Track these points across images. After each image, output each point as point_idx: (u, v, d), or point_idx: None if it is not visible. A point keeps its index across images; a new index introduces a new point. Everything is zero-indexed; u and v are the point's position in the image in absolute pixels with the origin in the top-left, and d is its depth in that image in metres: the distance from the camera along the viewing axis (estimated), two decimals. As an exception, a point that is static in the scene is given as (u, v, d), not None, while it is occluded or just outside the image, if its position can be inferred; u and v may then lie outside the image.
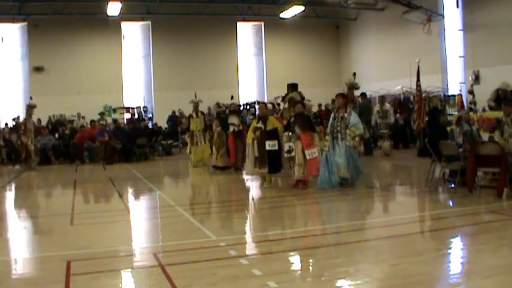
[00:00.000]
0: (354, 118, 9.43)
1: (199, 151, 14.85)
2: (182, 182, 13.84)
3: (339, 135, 9.36)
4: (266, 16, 25.63)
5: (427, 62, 17.38)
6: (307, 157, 9.51)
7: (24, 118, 16.94)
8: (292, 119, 10.05)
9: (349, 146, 9.26)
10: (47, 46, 23.24)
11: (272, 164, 10.11)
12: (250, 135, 10.57)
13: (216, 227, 7.17)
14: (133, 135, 18.14)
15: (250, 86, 26.96)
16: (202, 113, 15.48)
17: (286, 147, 9.81)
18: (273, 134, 10.12)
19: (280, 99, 13.28)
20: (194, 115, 15.01)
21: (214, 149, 13.62)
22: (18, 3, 21.58)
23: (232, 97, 17.50)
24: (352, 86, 12.60)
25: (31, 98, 17.48)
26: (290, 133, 9.77)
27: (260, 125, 10.32)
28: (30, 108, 16.51)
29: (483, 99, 16.46)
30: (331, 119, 9.67)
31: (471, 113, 13.58)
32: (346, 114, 9.42)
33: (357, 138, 9.33)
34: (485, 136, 11.56)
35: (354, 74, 12.63)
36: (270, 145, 10.02)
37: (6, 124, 21.09)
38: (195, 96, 15.20)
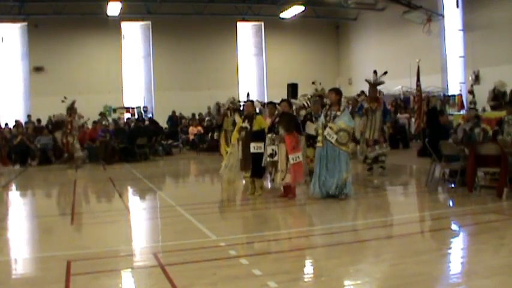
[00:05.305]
0: (345, 116, 8.54)
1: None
2: (182, 182, 13.84)
3: None
4: (266, 16, 25.62)
5: (427, 62, 17.39)
6: (291, 161, 8.54)
7: (69, 117, 16.43)
8: (276, 119, 8.98)
9: (331, 142, 8.32)
10: (47, 46, 23.21)
11: (255, 167, 9.14)
12: (235, 136, 9.81)
13: (216, 227, 7.15)
14: (133, 135, 18.13)
15: (250, 86, 26.94)
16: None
17: (268, 150, 8.77)
18: (259, 136, 9.08)
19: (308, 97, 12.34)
20: (229, 114, 14.07)
21: None
22: (18, 3, 21.55)
23: (248, 94, 17.06)
24: (375, 83, 11.68)
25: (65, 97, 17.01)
26: (274, 135, 8.76)
27: (246, 124, 9.33)
28: (73, 105, 16.34)
29: (483, 99, 16.49)
30: (322, 117, 8.75)
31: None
32: (339, 113, 8.50)
33: (340, 133, 8.33)
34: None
35: (375, 72, 11.60)
36: (255, 147, 9.02)
37: (6, 124, 21.05)
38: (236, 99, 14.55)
